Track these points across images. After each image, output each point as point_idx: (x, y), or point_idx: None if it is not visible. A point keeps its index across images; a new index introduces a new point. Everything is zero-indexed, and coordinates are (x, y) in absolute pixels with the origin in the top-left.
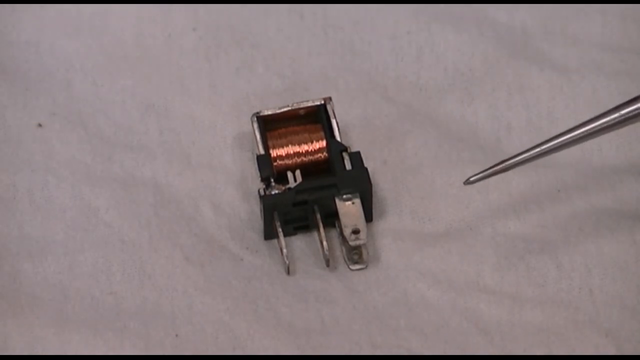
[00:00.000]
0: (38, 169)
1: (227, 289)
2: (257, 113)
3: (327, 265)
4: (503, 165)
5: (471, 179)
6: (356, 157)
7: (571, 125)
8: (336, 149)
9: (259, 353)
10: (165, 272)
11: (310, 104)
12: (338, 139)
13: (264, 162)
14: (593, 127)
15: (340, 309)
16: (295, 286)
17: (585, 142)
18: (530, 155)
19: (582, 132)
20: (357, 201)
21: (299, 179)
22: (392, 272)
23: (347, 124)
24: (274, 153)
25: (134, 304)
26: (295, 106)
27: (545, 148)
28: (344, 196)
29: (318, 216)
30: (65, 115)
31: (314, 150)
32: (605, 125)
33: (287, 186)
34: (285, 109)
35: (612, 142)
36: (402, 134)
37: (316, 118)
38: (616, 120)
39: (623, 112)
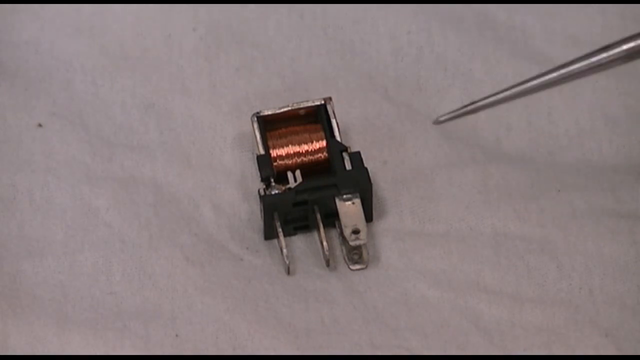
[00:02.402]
0: (38, 169)
1: (227, 289)
2: (257, 113)
3: (327, 265)
4: (475, 105)
5: (440, 119)
6: (356, 157)
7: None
8: (336, 149)
9: (259, 353)
10: (165, 272)
11: (310, 104)
12: (338, 139)
13: (264, 162)
14: (562, 73)
15: (340, 309)
16: (295, 286)
17: (585, 142)
18: (503, 96)
19: (554, 77)
20: (357, 201)
21: (299, 179)
22: (392, 272)
23: (347, 124)
24: (274, 153)
25: (134, 304)
26: (295, 106)
27: (517, 91)
28: (344, 196)
29: (318, 216)
30: (65, 115)
31: (314, 150)
32: (576, 71)
33: (287, 186)
34: (285, 109)
35: (612, 142)
36: (402, 134)
37: (316, 118)
38: (587, 66)
39: (594, 59)
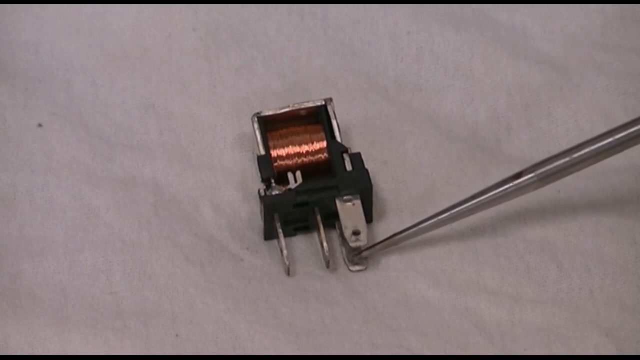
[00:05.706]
0: (38, 169)
1: (227, 289)
2: (258, 113)
3: (327, 266)
4: (394, 238)
5: (363, 254)
6: (357, 158)
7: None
8: (337, 149)
9: (259, 353)
10: (166, 272)
11: (311, 104)
12: (338, 139)
13: (264, 162)
14: (480, 201)
15: (341, 309)
16: (295, 287)
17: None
18: (422, 227)
19: (471, 205)
20: (358, 202)
21: (300, 179)
22: (392, 273)
23: (347, 125)
24: (274, 153)
25: (134, 304)
26: (296, 107)
27: (435, 222)
28: (345, 197)
29: (318, 217)
30: (65, 115)
31: (315, 150)
32: (492, 198)
33: (288, 187)
34: (286, 110)
35: None
36: (402, 134)
37: (317, 118)
38: (502, 194)
39: (510, 184)
